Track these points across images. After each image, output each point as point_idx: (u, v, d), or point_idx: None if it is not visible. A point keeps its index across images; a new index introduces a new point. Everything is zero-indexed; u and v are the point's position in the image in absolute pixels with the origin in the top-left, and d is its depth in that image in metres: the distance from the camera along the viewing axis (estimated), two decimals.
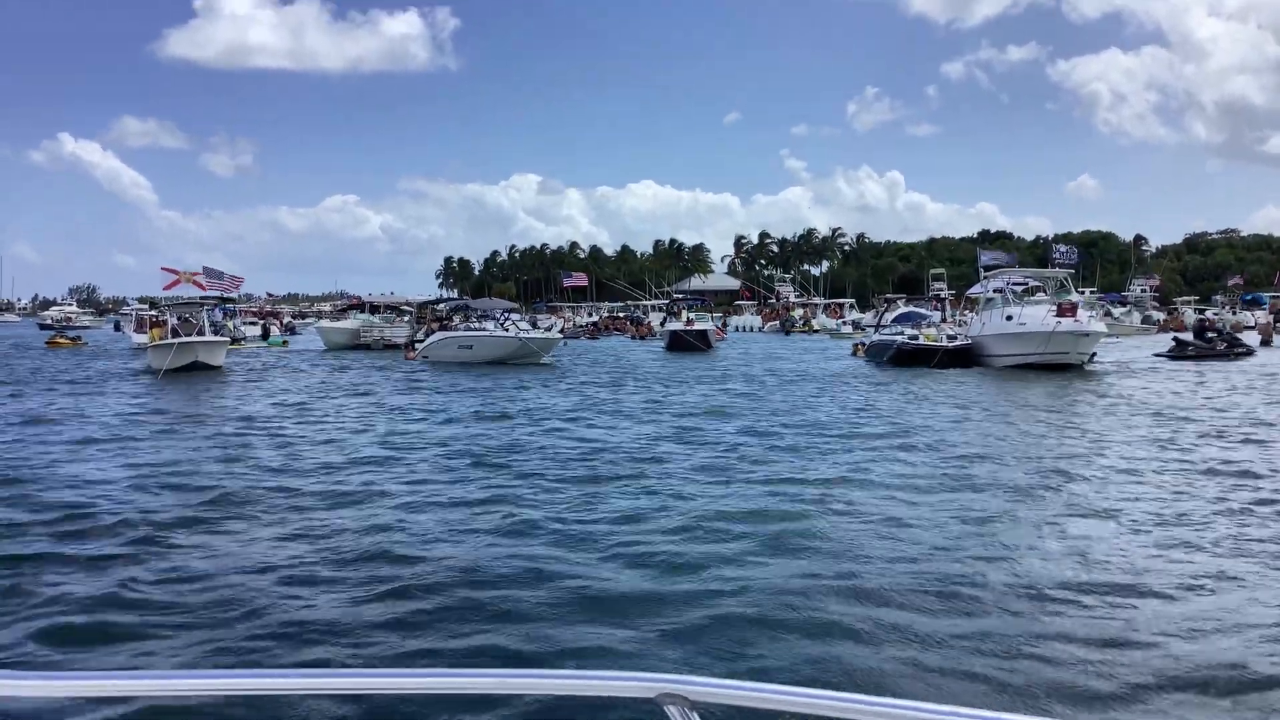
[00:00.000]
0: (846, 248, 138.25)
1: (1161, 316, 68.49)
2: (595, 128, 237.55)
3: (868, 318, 67.87)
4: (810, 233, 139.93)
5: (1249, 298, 74.61)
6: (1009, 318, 31.54)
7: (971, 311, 41.14)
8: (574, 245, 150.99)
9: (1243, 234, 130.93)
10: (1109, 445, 14.19)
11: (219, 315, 44.42)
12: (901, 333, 35.14)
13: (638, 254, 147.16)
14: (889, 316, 46.40)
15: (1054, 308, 30.21)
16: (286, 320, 78.00)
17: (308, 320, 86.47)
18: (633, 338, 63.75)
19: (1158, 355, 35.05)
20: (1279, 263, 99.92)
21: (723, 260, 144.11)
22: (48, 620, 6.49)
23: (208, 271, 41.50)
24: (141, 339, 42.02)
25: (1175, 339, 38.23)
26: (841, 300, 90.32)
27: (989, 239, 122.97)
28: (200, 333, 33.38)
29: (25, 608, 6.75)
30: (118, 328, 77.49)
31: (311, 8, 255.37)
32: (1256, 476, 11.38)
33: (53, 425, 17.42)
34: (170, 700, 4.55)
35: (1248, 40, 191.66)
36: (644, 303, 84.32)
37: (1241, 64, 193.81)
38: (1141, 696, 5.23)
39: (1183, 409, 18.64)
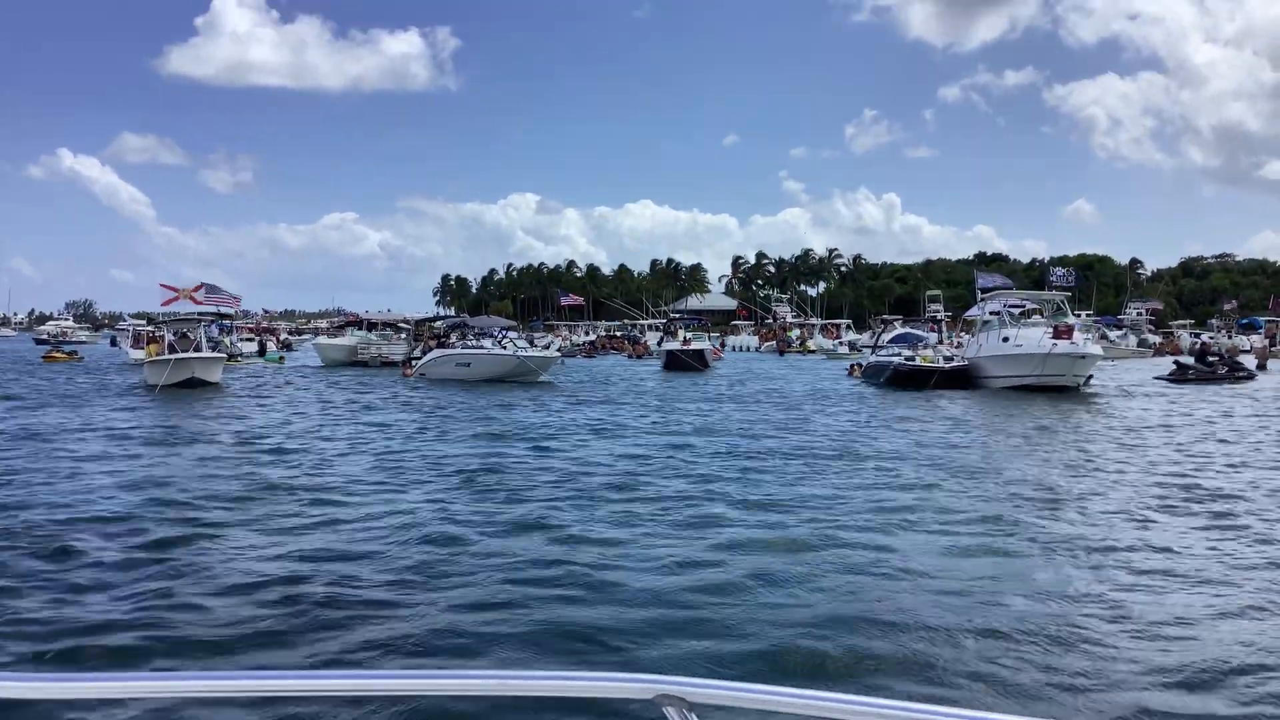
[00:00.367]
0: (843, 268, 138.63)
1: (1157, 340, 68.64)
2: (594, 148, 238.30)
3: (864, 338, 68.01)
4: (807, 253, 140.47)
5: (1245, 322, 74.81)
6: (1005, 339, 31.62)
7: (968, 333, 41.25)
8: (571, 264, 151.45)
9: (1238, 259, 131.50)
10: (1133, 473, 14.21)
11: (215, 331, 44.36)
12: (898, 354, 35.21)
13: (635, 273, 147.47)
14: (886, 337, 46.54)
15: (1050, 330, 30.29)
16: (283, 337, 77.76)
17: (304, 337, 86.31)
18: (630, 357, 63.71)
19: (1159, 379, 35.11)
20: (1274, 287, 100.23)
21: (720, 280, 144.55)
22: (41, 628, 6.49)
23: (207, 288, 41.51)
24: (138, 355, 41.90)
25: (1176, 363, 38.29)
26: (838, 321, 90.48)
27: (985, 261, 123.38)
28: (197, 349, 33.33)
29: (18, 619, 6.74)
30: (114, 343, 77.25)
31: (313, 26, 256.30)
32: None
33: (48, 438, 17.37)
34: (170, 701, 4.54)
35: (1244, 66, 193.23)
36: (641, 322, 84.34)
37: (1238, 90, 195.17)
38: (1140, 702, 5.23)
39: (1198, 432, 18.67)
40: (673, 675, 1.55)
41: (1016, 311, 35.83)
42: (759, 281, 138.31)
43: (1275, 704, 5.40)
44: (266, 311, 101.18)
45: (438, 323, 50.59)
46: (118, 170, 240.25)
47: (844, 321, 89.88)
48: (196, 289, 39.98)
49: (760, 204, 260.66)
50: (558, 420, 21.56)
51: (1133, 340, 65.26)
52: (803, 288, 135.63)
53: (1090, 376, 30.63)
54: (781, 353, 70.10)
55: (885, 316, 78.07)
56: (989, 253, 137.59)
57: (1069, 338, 29.70)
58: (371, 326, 53.17)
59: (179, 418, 22.02)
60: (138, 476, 13.18)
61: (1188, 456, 15.31)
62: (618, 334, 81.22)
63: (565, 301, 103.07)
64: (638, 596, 7.38)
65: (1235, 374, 35.16)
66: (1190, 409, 23.88)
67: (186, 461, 14.75)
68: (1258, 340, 61.86)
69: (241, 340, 58.95)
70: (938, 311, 54.93)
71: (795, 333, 78.52)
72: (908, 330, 47.28)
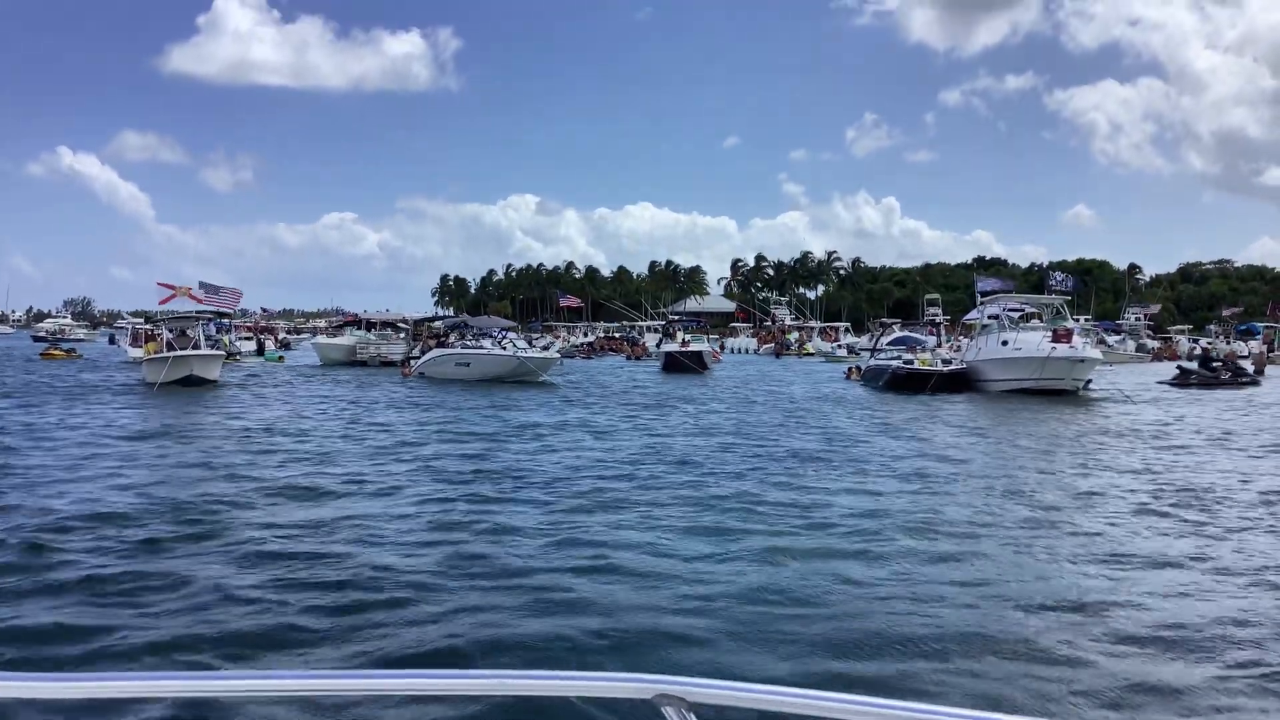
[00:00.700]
0: (842, 272, 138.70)
1: (1155, 345, 68.71)
2: (594, 150, 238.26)
3: (863, 341, 68.04)
4: (806, 256, 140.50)
5: (1243, 328, 74.84)
6: (1004, 343, 31.65)
7: (966, 337, 41.25)
8: (570, 265, 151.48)
9: (1237, 265, 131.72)
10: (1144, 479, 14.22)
11: (213, 330, 44.32)
12: (897, 357, 35.23)
13: (634, 275, 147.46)
14: (884, 341, 46.54)
15: (1049, 334, 30.32)
16: (281, 336, 77.72)
17: (303, 336, 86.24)
18: (628, 358, 63.75)
19: (1162, 383, 35.12)
20: (1272, 294, 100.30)
21: (719, 283, 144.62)
22: (34, 622, 6.47)
23: (204, 286, 41.47)
24: (137, 352, 41.87)
25: (1179, 367, 38.37)
26: (837, 324, 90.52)
27: (984, 266, 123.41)
28: (195, 347, 33.31)
29: (13, 617, 6.72)
30: (112, 341, 77.19)
31: (314, 26, 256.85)
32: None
33: (47, 435, 17.35)
34: (171, 701, 4.53)
35: (1245, 73, 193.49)
36: (640, 324, 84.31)
37: (1238, 96, 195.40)
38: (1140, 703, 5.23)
39: (1203, 437, 18.68)
40: (672, 675, 1.55)
41: (1016, 315, 35.87)
42: (758, 284, 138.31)
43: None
44: (265, 310, 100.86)
45: (437, 323, 50.57)
46: (117, 168, 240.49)
47: (843, 324, 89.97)
48: (193, 288, 39.98)
49: (760, 207, 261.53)
50: (555, 420, 21.55)
51: (1131, 345, 65.30)
52: (801, 291, 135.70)
53: (1089, 380, 30.65)
54: (778, 355, 70.17)
55: (884, 320, 78.01)
56: (988, 257, 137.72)
57: (1068, 341, 29.74)
58: (370, 326, 53.14)
59: (176, 415, 22.00)
60: (133, 472, 13.17)
61: (1197, 460, 15.30)
62: (616, 335, 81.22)
63: (564, 302, 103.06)
64: (634, 600, 7.37)
65: (1239, 379, 35.16)
66: (1193, 413, 23.87)
67: (182, 458, 14.73)
68: (1255, 345, 61.96)
69: (240, 339, 58.92)
70: (936, 315, 54.95)
71: (794, 335, 78.52)
72: (906, 334, 47.28)
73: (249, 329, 71.10)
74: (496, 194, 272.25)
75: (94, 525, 9.64)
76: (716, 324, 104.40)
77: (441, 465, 14.30)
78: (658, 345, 55.51)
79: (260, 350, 57.94)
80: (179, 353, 31.58)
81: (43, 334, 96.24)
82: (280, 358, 54.09)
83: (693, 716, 1.52)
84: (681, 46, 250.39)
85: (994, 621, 6.73)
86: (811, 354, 69.80)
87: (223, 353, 37.38)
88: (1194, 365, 37.77)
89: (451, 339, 40.98)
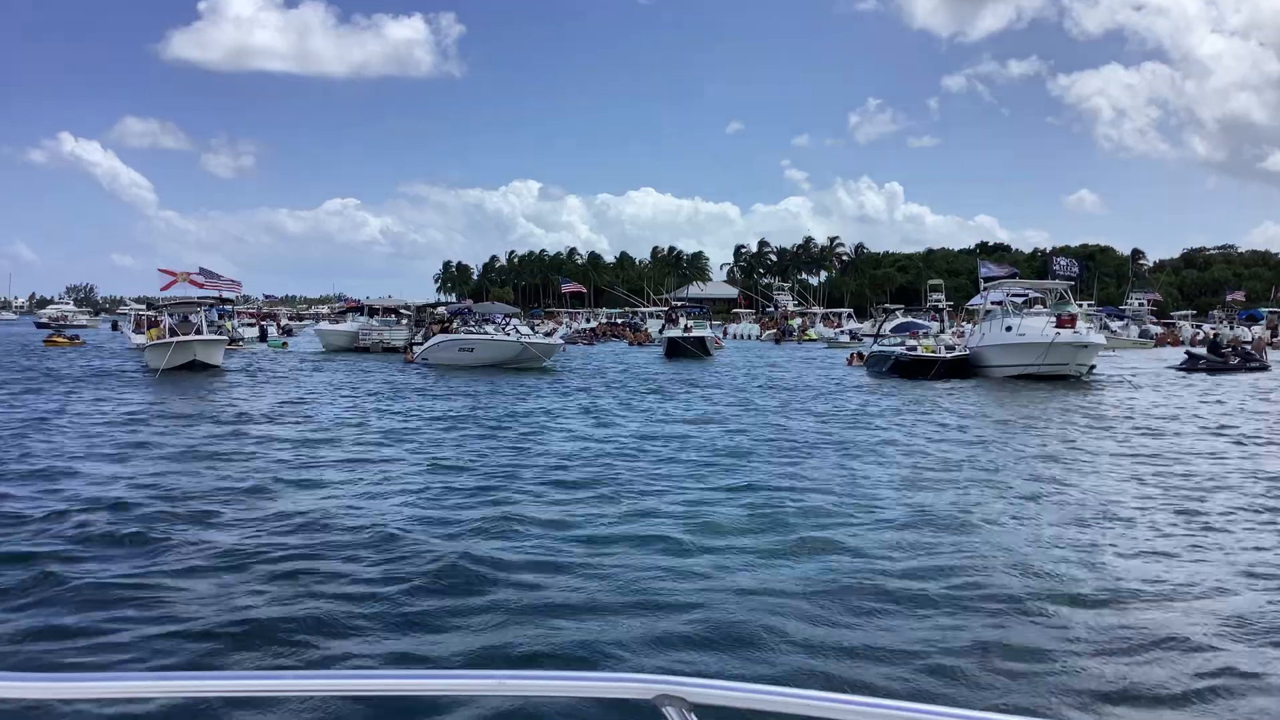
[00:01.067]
0: (845, 258, 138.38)
1: (1159, 331, 68.58)
2: (597, 135, 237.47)
3: (865, 327, 67.95)
4: (809, 242, 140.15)
5: (1246, 314, 74.68)
6: (1008, 329, 31.60)
7: (969, 322, 41.16)
8: (573, 251, 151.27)
9: (1240, 250, 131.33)
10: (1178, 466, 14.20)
11: (215, 316, 44.34)
12: (901, 343, 35.15)
13: (637, 261, 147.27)
14: (887, 326, 46.47)
15: (1053, 319, 30.26)
16: (284, 322, 77.73)
17: (305, 322, 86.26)
18: (631, 344, 63.74)
19: (1171, 368, 35.03)
20: (1276, 279, 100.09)
21: (721, 268, 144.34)
22: (42, 621, 6.47)
23: (204, 272, 41.46)
24: (140, 339, 41.94)
25: (1188, 353, 38.32)
26: (839, 310, 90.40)
27: (987, 251, 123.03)
28: (198, 333, 33.32)
29: (19, 608, 6.71)
30: (115, 327, 77.28)
31: (316, 11, 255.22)
32: None
33: (53, 421, 17.37)
34: (171, 700, 4.52)
35: (1249, 57, 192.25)
36: (642, 309, 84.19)
37: (1243, 81, 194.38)
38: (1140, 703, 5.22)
39: (1215, 423, 18.67)
40: (673, 675, 1.54)
41: (1019, 301, 35.77)
42: (760, 270, 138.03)
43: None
44: (268, 297, 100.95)
45: (440, 309, 50.56)
46: (119, 154, 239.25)
47: (845, 310, 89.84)
48: (194, 273, 39.94)
49: (762, 192, 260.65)
50: (557, 406, 21.55)
51: (1134, 331, 65.22)
52: (804, 276, 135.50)
53: (1093, 366, 30.60)
54: (778, 341, 70.10)
55: (887, 305, 77.88)
56: (991, 243, 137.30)
57: (1072, 327, 29.69)
58: (373, 312, 53.12)
59: (179, 400, 22.01)
60: (136, 461, 13.18)
61: (1211, 446, 15.28)
62: (619, 321, 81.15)
63: (566, 288, 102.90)
64: (630, 588, 7.36)
65: (1248, 364, 35.04)
66: (1205, 398, 23.83)
67: (186, 444, 14.74)
68: (1259, 330, 61.86)
69: (243, 326, 58.97)
70: (939, 301, 54.84)
71: (796, 322, 78.41)
72: (910, 319, 47.16)
73: (252, 315, 71.12)
74: (499, 180, 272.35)
75: (90, 514, 9.63)
76: (719, 310, 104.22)
77: (444, 452, 14.30)
78: (661, 331, 55.48)
79: (263, 337, 58.00)
80: (182, 338, 31.59)
81: (45, 321, 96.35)
82: (283, 344, 54.16)
83: (694, 717, 1.51)
84: (684, 31, 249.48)
85: (994, 621, 6.70)
86: (813, 339, 69.78)
87: (225, 338, 37.42)
88: (1203, 351, 37.70)
89: (455, 325, 40.99)
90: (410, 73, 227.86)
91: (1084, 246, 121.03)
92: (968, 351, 32.53)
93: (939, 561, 7.98)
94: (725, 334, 73.64)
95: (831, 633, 6.31)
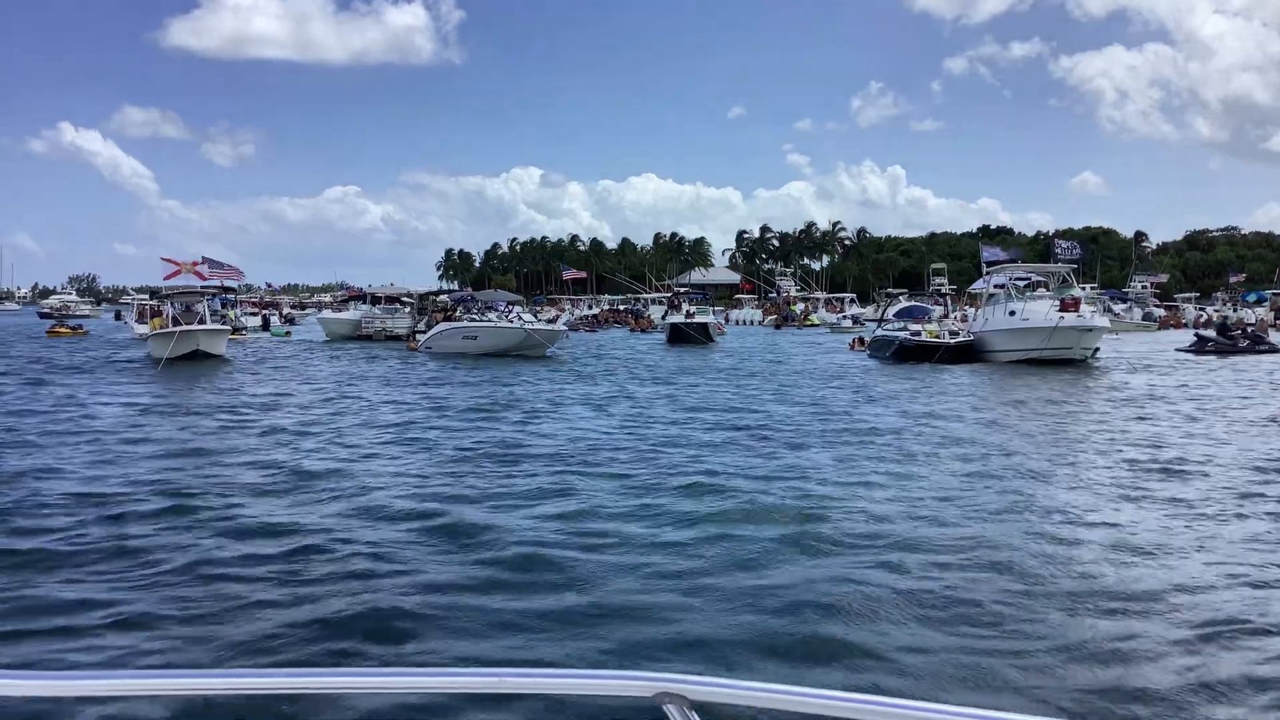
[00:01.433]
0: (847, 242, 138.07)
1: (1162, 313, 68.46)
2: (598, 121, 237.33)
3: (868, 312, 67.89)
4: (811, 227, 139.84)
5: (1251, 296, 74.56)
6: (1011, 313, 31.51)
7: (972, 307, 41.07)
8: (574, 238, 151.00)
9: (1244, 231, 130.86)
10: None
11: (218, 305, 44.38)
12: (904, 328, 35.11)
13: (638, 247, 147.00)
14: (890, 311, 46.43)
15: (1057, 303, 30.16)
16: (286, 311, 77.75)
17: (307, 311, 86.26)
18: (633, 330, 63.75)
19: (1180, 350, 34.93)
20: (1279, 260, 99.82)
21: (724, 254, 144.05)
22: (45, 621, 6.48)
23: (208, 262, 41.47)
24: (143, 329, 41.97)
25: (1197, 334, 38.33)
26: (842, 295, 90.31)
27: (990, 234, 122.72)
28: (201, 322, 33.33)
29: (22, 606, 6.71)
30: (118, 317, 77.38)
31: None
32: None
33: (58, 412, 17.39)
34: (171, 700, 4.51)
35: (1252, 38, 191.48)
36: (644, 296, 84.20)
37: (1246, 62, 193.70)
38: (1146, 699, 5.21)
39: (1225, 404, 18.63)
40: (674, 673, 1.53)
41: (1022, 285, 35.67)
42: (763, 255, 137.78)
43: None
44: (269, 286, 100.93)
45: (442, 296, 50.55)
46: (120, 144, 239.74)
47: (848, 295, 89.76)
48: (197, 264, 39.95)
49: (764, 177, 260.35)
50: (561, 394, 21.55)
51: (1138, 313, 65.12)
52: (806, 261, 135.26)
53: (1097, 349, 30.54)
54: (778, 326, 70.06)
55: (890, 290, 77.82)
56: (994, 226, 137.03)
57: (1076, 310, 29.60)
58: (375, 301, 53.10)
59: (183, 390, 22.03)
60: (141, 449, 13.19)
61: (1213, 429, 15.25)
62: (621, 308, 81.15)
63: (568, 275, 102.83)
64: (632, 578, 7.37)
65: (1257, 346, 34.94)
66: (1215, 380, 23.73)
67: (189, 432, 14.75)
68: (1261, 312, 61.77)
69: (245, 315, 59.03)
70: (942, 285, 54.74)
71: (799, 306, 78.36)
72: (913, 304, 47.10)
73: (254, 304, 71.17)
74: (499, 167, 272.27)
75: (84, 505, 9.63)
76: (721, 296, 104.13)
77: (448, 440, 14.29)
78: (663, 317, 55.49)
79: (265, 325, 58.05)
80: (185, 328, 31.60)
81: (48, 310, 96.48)
82: (286, 333, 54.21)
83: (695, 715, 1.50)
84: (686, 16, 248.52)
85: (996, 620, 6.68)
86: (815, 324, 69.77)
87: (228, 328, 37.43)
88: (1211, 333, 37.65)
89: (458, 313, 41.01)
90: (410, 59, 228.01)
91: (1087, 229, 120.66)
92: (971, 336, 32.48)
93: (952, 558, 7.97)
94: (728, 320, 73.64)
95: (830, 631, 6.25)
